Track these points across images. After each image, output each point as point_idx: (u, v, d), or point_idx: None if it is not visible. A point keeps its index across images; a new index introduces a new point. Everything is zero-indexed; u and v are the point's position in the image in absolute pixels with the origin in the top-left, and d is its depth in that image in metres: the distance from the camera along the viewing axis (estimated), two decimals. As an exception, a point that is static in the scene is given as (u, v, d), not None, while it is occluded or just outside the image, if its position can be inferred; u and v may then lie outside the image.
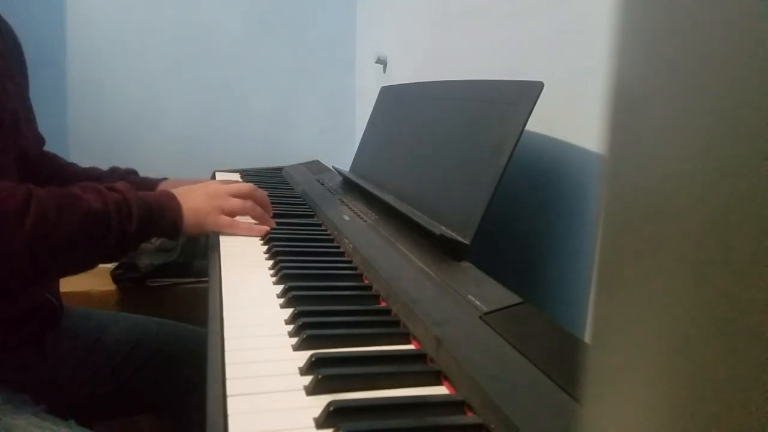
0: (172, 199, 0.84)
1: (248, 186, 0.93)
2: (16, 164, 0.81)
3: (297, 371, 0.51)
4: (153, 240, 1.43)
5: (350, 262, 0.80)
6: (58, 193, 0.72)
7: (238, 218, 0.90)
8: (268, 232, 0.90)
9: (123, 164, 1.13)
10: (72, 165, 1.09)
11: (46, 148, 1.04)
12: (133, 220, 0.77)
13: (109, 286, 1.41)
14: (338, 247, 0.87)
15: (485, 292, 0.60)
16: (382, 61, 1.68)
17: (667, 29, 0.17)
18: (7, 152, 0.80)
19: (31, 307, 0.85)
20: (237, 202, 0.89)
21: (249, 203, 0.90)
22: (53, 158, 1.07)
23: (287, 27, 1.93)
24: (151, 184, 1.08)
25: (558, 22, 0.86)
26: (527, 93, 0.71)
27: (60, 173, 1.04)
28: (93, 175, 1.07)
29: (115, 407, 1.01)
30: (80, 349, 0.96)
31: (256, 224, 0.91)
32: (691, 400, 0.16)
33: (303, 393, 0.47)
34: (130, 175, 1.09)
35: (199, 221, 0.85)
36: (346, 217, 0.96)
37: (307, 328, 0.57)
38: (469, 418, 0.45)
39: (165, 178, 1.10)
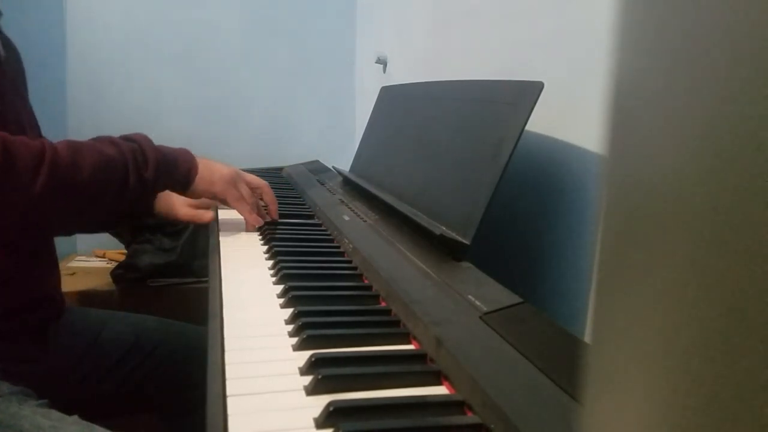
0: (187, 152, 0.89)
1: (263, 182, 0.99)
2: None
3: (297, 371, 0.51)
4: (153, 240, 1.43)
5: (350, 262, 0.80)
6: (70, 144, 0.74)
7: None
8: (269, 232, 0.91)
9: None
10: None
11: None
12: (149, 167, 0.80)
13: (110, 285, 1.41)
14: (338, 247, 0.87)
15: (485, 292, 0.60)
16: (382, 61, 1.68)
17: (667, 29, 0.17)
18: None
19: (33, 299, 0.86)
20: (248, 190, 0.94)
21: (254, 198, 0.96)
22: None
23: (287, 27, 1.93)
24: None
25: (558, 22, 0.86)
26: (527, 93, 0.71)
27: None
28: None
29: (114, 405, 1.01)
30: (79, 345, 0.96)
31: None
32: (692, 400, 0.16)
33: (303, 393, 0.47)
34: None
35: (213, 180, 0.89)
36: (346, 217, 0.96)
37: (307, 328, 0.57)
38: (469, 418, 0.45)
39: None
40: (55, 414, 0.75)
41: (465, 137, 0.81)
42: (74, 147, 0.74)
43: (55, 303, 0.92)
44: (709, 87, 0.16)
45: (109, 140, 0.80)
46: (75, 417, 0.75)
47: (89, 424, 0.75)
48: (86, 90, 1.78)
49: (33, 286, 0.86)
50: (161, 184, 0.84)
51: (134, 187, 0.79)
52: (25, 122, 0.88)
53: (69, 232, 0.94)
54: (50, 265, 0.92)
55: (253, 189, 0.96)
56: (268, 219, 0.99)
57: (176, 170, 0.85)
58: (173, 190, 0.89)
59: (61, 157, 0.71)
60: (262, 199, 1.00)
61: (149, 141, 0.85)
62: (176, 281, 1.43)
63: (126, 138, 0.83)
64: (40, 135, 0.99)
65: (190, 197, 0.94)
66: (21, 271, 0.83)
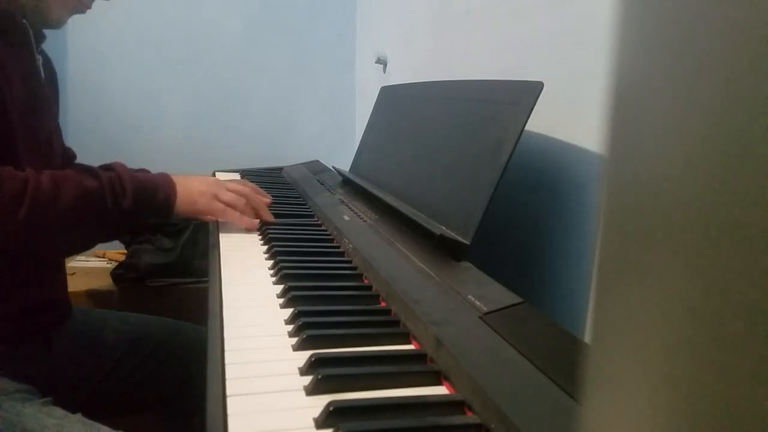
0: (165, 177, 0.89)
1: (246, 185, 0.98)
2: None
3: (297, 371, 0.51)
4: (153, 240, 1.43)
5: (350, 262, 0.80)
6: (53, 175, 0.77)
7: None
8: (269, 232, 0.90)
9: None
10: (79, 166, 1.13)
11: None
12: (127, 196, 0.82)
13: (109, 286, 1.41)
14: (338, 247, 0.87)
15: (485, 292, 0.60)
16: (382, 61, 1.68)
17: (667, 29, 0.17)
18: (40, 167, 0.84)
19: (41, 303, 0.87)
20: (231, 195, 0.93)
21: (242, 200, 0.95)
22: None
23: (287, 27, 1.93)
24: None
25: (558, 22, 0.86)
26: (527, 93, 0.71)
27: None
28: None
29: (115, 405, 1.01)
30: (80, 345, 0.96)
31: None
32: (691, 400, 0.16)
33: (303, 393, 0.47)
34: None
35: (193, 200, 0.89)
36: (346, 217, 0.96)
37: (307, 328, 0.57)
38: (469, 418, 0.45)
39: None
40: (59, 412, 0.76)
41: (465, 137, 0.81)
42: (56, 179, 0.76)
43: (62, 306, 0.93)
44: (709, 86, 0.16)
45: (90, 171, 0.83)
46: (79, 415, 0.76)
47: (93, 422, 0.75)
48: (86, 90, 1.78)
49: (41, 290, 0.87)
50: (142, 212, 0.85)
51: (113, 216, 0.81)
52: (54, 139, 0.92)
53: (59, 256, 0.96)
54: (57, 269, 0.94)
55: (238, 193, 0.95)
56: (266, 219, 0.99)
57: (155, 198, 0.86)
58: (156, 217, 0.90)
59: (42, 188, 0.74)
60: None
61: (127, 170, 0.87)
62: (176, 281, 1.43)
63: (105, 168, 0.85)
64: (63, 146, 1.02)
65: (177, 220, 0.95)
66: (29, 275, 0.84)
